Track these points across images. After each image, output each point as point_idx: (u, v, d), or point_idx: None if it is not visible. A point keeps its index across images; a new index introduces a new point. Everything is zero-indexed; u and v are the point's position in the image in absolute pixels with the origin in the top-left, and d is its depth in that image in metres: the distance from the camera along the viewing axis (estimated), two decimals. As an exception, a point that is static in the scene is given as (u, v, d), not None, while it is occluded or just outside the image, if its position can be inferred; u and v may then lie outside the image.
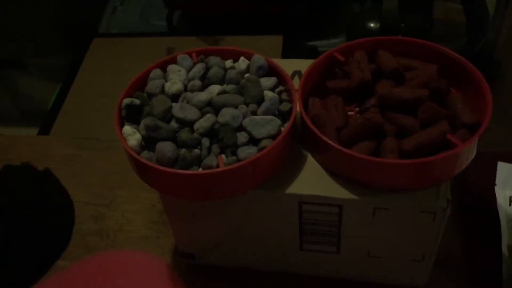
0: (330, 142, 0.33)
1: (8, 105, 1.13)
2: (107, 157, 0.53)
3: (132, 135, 0.35)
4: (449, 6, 0.77)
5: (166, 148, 0.34)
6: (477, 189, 0.45)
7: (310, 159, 0.37)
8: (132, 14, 0.81)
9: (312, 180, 0.35)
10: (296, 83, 0.39)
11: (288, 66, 0.43)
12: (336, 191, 0.35)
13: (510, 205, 0.42)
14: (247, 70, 0.40)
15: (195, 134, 0.35)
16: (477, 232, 0.43)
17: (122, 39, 0.74)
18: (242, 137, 0.35)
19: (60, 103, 0.65)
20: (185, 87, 0.38)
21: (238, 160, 0.34)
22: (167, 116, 0.36)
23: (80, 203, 0.49)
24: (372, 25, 0.67)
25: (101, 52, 0.71)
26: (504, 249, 0.40)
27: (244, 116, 0.35)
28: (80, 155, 0.53)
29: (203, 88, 0.38)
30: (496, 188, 0.43)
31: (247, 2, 0.69)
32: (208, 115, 0.35)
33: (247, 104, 0.37)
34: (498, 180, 0.44)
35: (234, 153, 0.34)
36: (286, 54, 0.67)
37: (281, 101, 0.37)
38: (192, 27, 0.77)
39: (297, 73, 0.43)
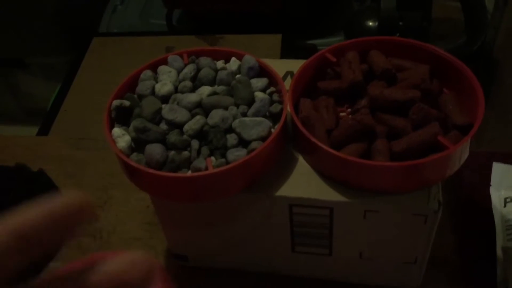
0: (320, 144, 0.33)
1: (10, 103, 1.14)
2: (102, 157, 0.53)
3: (121, 137, 0.35)
4: (448, 5, 0.77)
5: (155, 150, 0.34)
6: (471, 189, 0.44)
7: (301, 161, 0.36)
8: (132, 13, 0.81)
9: (303, 183, 0.35)
10: (288, 83, 0.39)
11: (281, 66, 0.43)
12: (327, 193, 0.34)
13: (505, 206, 0.42)
14: (239, 71, 0.39)
15: (184, 136, 0.35)
16: (471, 234, 0.43)
17: (122, 38, 0.74)
18: (231, 139, 0.35)
19: (60, 102, 0.65)
20: (176, 88, 0.38)
21: (227, 163, 0.34)
22: (157, 117, 0.36)
23: (74, 204, 0.49)
24: (370, 23, 0.66)
25: (101, 51, 0.71)
26: (499, 251, 0.40)
27: (234, 118, 0.35)
28: (75, 156, 0.53)
29: (193, 89, 0.38)
30: (491, 189, 0.43)
31: (246, 1, 0.69)
32: (198, 117, 0.35)
33: (237, 106, 0.36)
34: (493, 181, 0.43)
35: (223, 155, 0.34)
36: (285, 53, 0.67)
37: (272, 102, 0.37)
38: (191, 26, 0.77)
39: (289, 73, 0.43)
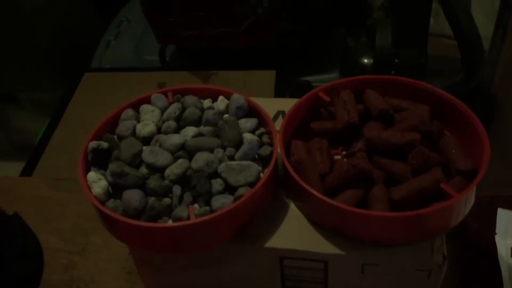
0: (312, 191, 0.30)
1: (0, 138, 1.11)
2: (83, 199, 0.49)
3: (97, 182, 0.32)
4: (444, 42, 0.76)
5: (132, 197, 0.31)
6: (475, 237, 0.42)
7: (293, 208, 0.34)
8: (126, 48, 0.80)
9: (294, 233, 0.32)
10: (280, 123, 0.37)
11: (272, 106, 0.41)
12: (321, 245, 0.31)
13: (512, 256, 0.39)
14: (226, 110, 0.37)
15: (165, 181, 0.32)
16: (477, 286, 0.40)
17: (113, 73, 0.73)
18: (217, 184, 0.32)
19: (48, 138, 0.63)
20: (159, 129, 0.36)
21: (212, 211, 0.31)
22: (136, 160, 0.33)
23: (50, 250, 0.46)
24: (365, 60, 0.65)
25: (92, 86, 0.70)
26: (508, 306, 0.36)
27: (220, 162, 0.33)
28: (54, 198, 0.50)
29: (178, 130, 0.36)
30: (497, 237, 0.40)
31: (240, 37, 0.68)
32: (181, 161, 0.32)
33: (224, 148, 0.34)
34: (498, 229, 0.41)
35: (207, 203, 0.31)
36: (279, 89, 0.66)
37: (262, 144, 0.35)
38: (185, 61, 0.76)
39: (281, 113, 0.41)
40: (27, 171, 0.59)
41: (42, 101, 1.03)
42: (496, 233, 0.40)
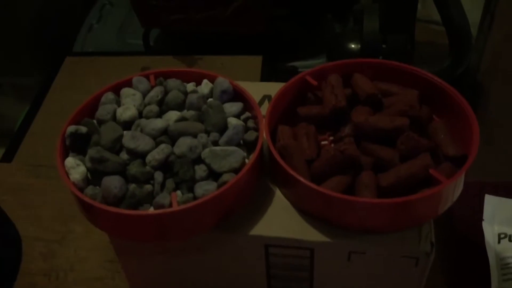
0: (299, 177, 0.30)
1: (-20, 124, 1.09)
2: (62, 186, 0.48)
3: (75, 168, 0.31)
4: (432, 28, 0.75)
5: (112, 183, 0.30)
6: (462, 224, 0.41)
7: (278, 195, 0.33)
8: (109, 32, 0.78)
9: (280, 220, 0.31)
10: (266, 108, 0.36)
11: (258, 90, 0.39)
12: (307, 232, 0.31)
13: (499, 242, 0.39)
14: (211, 94, 0.36)
15: (147, 167, 0.31)
16: (464, 273, 0.39)
17: (95, 58, 0.71)
18: (200, 170, 0.31)
19: (28, 123, 0.61)
20: (140, 113, 0.34)
21: (195, 198, 0.30)
22: (117, 146, 0.32)
23: (28, 239, 0.44)
24: (353, 46, 0.64)
25: (73, 71, 0.68)
26: (494, 293, 0.36)
27: (204, 147, 0.32)
28: (33, 184, 0.49)
29: (160, 114, 0.34)
30: (484, 224, 0.40)
31: (226, 22, 0.66)
32: (163, 146, 0.31)
33: (208, 133, 0.33)
34: (485, 215, 0.40)
35: (190, 189, 0.30)
36: (266, 75, 0.65)
37: (247, 129, 0.34)
38: (169, 46, 0.75)
39: (267, 97, 0.39)
40: (6, 158, 0.57)
41: (22, 86, 1.01)
42: (483, 220, 0.40)
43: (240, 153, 0.31)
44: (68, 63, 0.70)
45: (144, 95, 0.35)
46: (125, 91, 0.35)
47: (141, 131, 0.32)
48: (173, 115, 0.34)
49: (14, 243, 0.44)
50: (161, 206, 0.29)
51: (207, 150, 0.31)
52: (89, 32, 0.79)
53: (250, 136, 0.33)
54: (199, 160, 0.31)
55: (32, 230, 0.45)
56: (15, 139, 0.60)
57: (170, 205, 0.29)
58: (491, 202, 0.41)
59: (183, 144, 0.31)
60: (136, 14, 0.67)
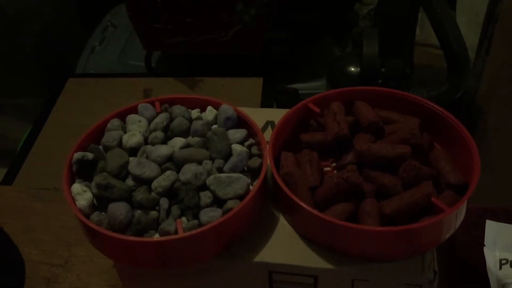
0: (302, 204, 0.30)
1: (-19, 145, 1.09)
2: (66, 210, 0.48)
3: (81, 194, 0.31)
4: (430, 52, 0.76)
5: (118, 210, 0.30)
6: (464, 250, 0.41)
7: (282, 222, 0.33)
8: (111, 54, 0.79)
9: (284, 246, 0.32)
10: (269, 134, 0.36)
11: (261, 116, 0.40)
12: (311, 259, 0.31)
13: (500, 268, 0.39)
14: (215, 121, 0.36)
15: (152, 194, 0.31)
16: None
17: (98, 79, 0.71)
18: (205, 197, 0.31)
19: (30, 144, 0.62)
20: (146, 139, 0.35)
21: (200, 225, 0.30)
22: (123, 172, 0.32)
23: (32, 263, 0.44)
24: (352, 69, 0.65)
25: (76, 92, 0.69)
26: (496, 319, 0.36)
27: (209, 174, 0.32)
28: (36, 208, 0.49)
29: (165, 140, 0.35)
30: (485, 250, 0.40)
31: (226, 45, 0.67)
32: (168, 172, 0.32)
33: (212, 160, 0.33)
34: (487, 241, 0.41)
35: (195, 216, 0.31)
36: (266, 96, 0.65)
37: (251, 155, 0.34)
38: (171, 68, 0.75)
39: (270, 123, 0.40)
40: (7, 180, 0.57)
41: (25, 107, 1.01)
42: (484, 245, 0.40)
43: (245, 179, 0.32)
44: (70, 84, 0.70)
45: (150, 121, 0.36)
46: (131, 117, 0.35)
47: (147, 157, 0.33)
48: (178, 141, 0.34)
49: (17, 267, 0.44)
50: (167, 233, 0.29)
51: (212, 177, 0.32)
52: (92, 54, 0.80)
53: (254, 162, 0.33)
54: (204, 187, 0.32)
55: (35, 254, 0.45)
56: (16, 161, 0.60)
57: (176, 231, 0.30)
58: (492, 228, 0.41)
59: (189, 171, 0.32)
60: (138, 36, 0.68)
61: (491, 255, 0.40)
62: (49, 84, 0.76)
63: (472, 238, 0.41)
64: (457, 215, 0.30)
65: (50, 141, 0.62)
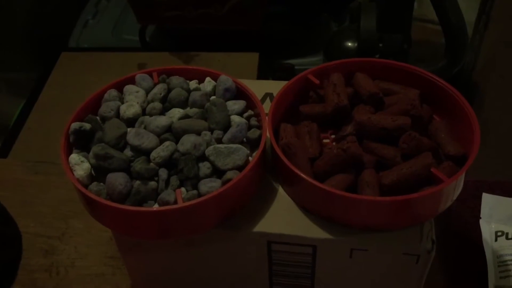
0: (302, 175, 0.30)
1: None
2: (62, 182, 0.48)
3: (79, 165, 0.31)
4: (428, 27, 0.76)
5: (117, 180, 0.30)
6: (460, 222, 0.42)
7: (281, 192, 0.33)
8: (104, 28, 0.77)
9: (283, 217, 0.32)
10: (267, 106, 0.36)
11: (259, 87, 0.40)
12: (310, 230, 0.31)
13: (496, 240, 0.39)
14: (213, 92, 0.36)
15: (151, 164, 0.31)
16: (462, 271, 0.40)
17: (91, 53, 0.70)
18: (204, 168, 0.31)
19: (23, 119, 0.61)
20: (144, 110, 0.34)
21: (199, 195, 0.30)
22: (121, 143, 0.32)
23: (29, 235, 0.44)
24: (349, 44, 0.64)
25: (69, 67, 0.68)
26: (491, 290, 0.37)
27: (208, 144, 0.32)
28: (33, 181, 0.49)
29: (163, 111, 0.34)
30: (481, 222, 0.41)
31: (222, 19, 0.66)
32: (167, 143, 0.31)
33: (211, 130, 0.33)
34: (482, 213, 0.41)
35: (195, 187, 0.31)
36: (262, 72, 0.65)
37: (250, 127, 0.34)
38: (165, 42, 0.74)
39: (268, 95, 0.40)
40: (1, 153, 0.57)
41: (17, 82, 1.00)
42: (480, 218, 0.41)
43: (244, 150, 0.32)
44: (63, 59, 0.69)
45: (147, 92, 0.35)
46: (129, 88, 0.35)
47: (145, 128, 0.33)
48: (176, 112, 0.34)
49: (15, 240, 0.44)
50: (166, 203, 0.29)
51: (211, 147, 0.31)
52: (85, 28, 0.78)
53: (254, 134, 0.33)
54: (203, 158, 0.31)
55: (32, 226, 0.45)
56: (10, 135, 0.59)
57: (175, 201, 0.29)
58: (488, 201, 0.42)
59: (187, 142, 0.31)
60: (132, 10, 0.67)
61: (487, 227, 0.40)
62: (42, 58, 0.75)
63: (468, 210, 0.42)
64: (456, 186, 0.30)
65: (43, 115, 0.61)
